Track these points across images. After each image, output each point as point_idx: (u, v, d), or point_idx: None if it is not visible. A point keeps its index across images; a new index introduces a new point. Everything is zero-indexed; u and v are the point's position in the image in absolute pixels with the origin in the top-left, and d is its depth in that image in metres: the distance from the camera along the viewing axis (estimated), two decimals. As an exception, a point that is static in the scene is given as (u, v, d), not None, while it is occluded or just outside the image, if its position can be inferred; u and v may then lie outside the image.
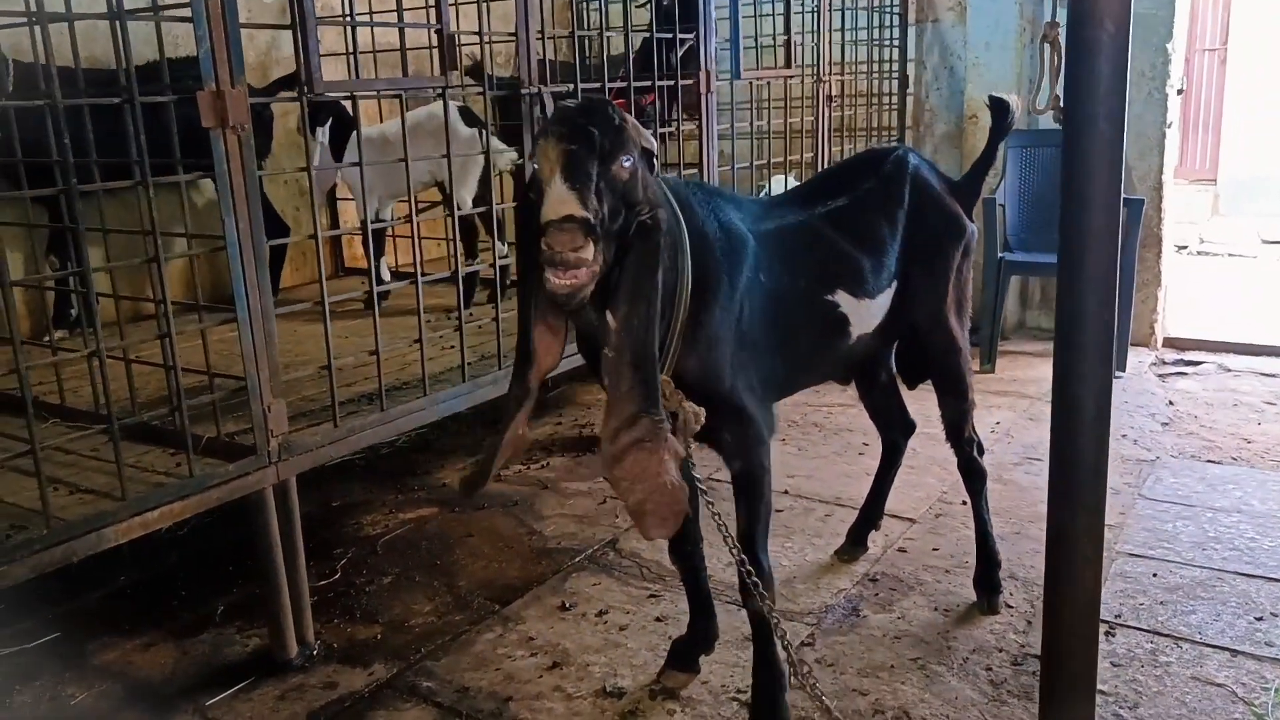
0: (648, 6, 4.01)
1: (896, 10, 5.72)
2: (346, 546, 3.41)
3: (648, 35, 3.86)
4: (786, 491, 3.74)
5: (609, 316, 1.94)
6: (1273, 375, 5.07)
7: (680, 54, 4.08)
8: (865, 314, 2.61)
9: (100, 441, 2.60)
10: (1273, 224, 9.36)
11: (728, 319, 2.23)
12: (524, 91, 3.19)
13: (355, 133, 3.24)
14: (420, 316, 2.99)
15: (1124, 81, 1.71)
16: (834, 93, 4.97)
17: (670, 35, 3.91)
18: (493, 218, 3.83)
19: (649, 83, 3.81)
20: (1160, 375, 5.17)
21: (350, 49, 2.89)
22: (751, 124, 4.46)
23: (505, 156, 4.15)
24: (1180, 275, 6.97)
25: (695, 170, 4.11)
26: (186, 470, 2.43)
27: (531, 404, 2.12)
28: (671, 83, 3.98)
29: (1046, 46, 2.48)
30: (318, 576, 3.17)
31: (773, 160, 4.69)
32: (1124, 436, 4.26)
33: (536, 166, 1.91)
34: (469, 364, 3.21)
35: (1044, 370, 5.21)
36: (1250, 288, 7.46)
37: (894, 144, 3.67)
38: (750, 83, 4.44)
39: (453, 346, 3.40)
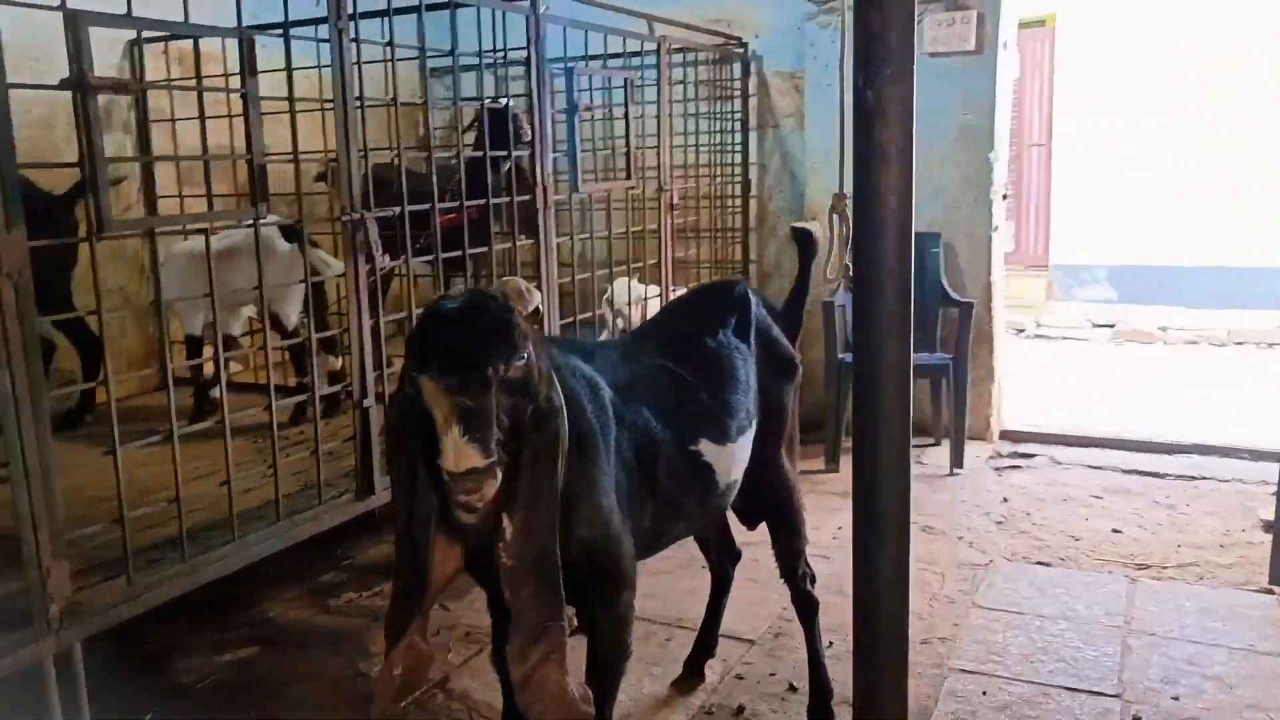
0: (474, 128, 4.02)
1: (738, 116, 5.87)
2: (156, 699, 3.16)
3: (474, 155, 3.85)
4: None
5: (505, 520, 1.80)
6: (1099, 468, 5.28)
7: (505, 170, 4.09)
8: (729, 460, 2.53)
9: None
10: (1099, 309, 9.91)
11: (608, 484, 2.12)
12: (345, 218, 3.10)
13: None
14: (228, 455, 2.83)
15: (909, 254, 1.74)
16: (676, 200, 5.02)
17: (499, 154, 3.91)
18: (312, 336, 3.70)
19: (479, 201, 3.77)
20: (997, 469, 5.33)
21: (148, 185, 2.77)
22: (591, 233, 4.47)
23: (333, 269, 4.05)
24: (1018, 361, 7.33)
25: (534, 279, 4.08)
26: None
27: (425, 620, 1.91)
28: (505, 199, 3.97)
29: (835, 216, 2.55)
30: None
31: (615, 266, 4.70)
32: (960, 539, 4.35)
33: (422, 390, 1.74)
34: (286, 496, 3.06)
35: (887, 468, 5.30)
36: (1082, 371, 7.83)
37: (733, 278, 3.72)
38: (589, 195, 4.46)
39: (268, 476, 3.23)
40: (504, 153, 3.97)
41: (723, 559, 3.15)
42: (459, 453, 1.67)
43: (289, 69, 2.93)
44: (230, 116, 3.90)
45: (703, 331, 2.62)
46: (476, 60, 3.69)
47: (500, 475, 1.74)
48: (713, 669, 3.25)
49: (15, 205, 2.22)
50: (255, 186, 2.77)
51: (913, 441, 5.22)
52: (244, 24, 2.71)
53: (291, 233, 4.01)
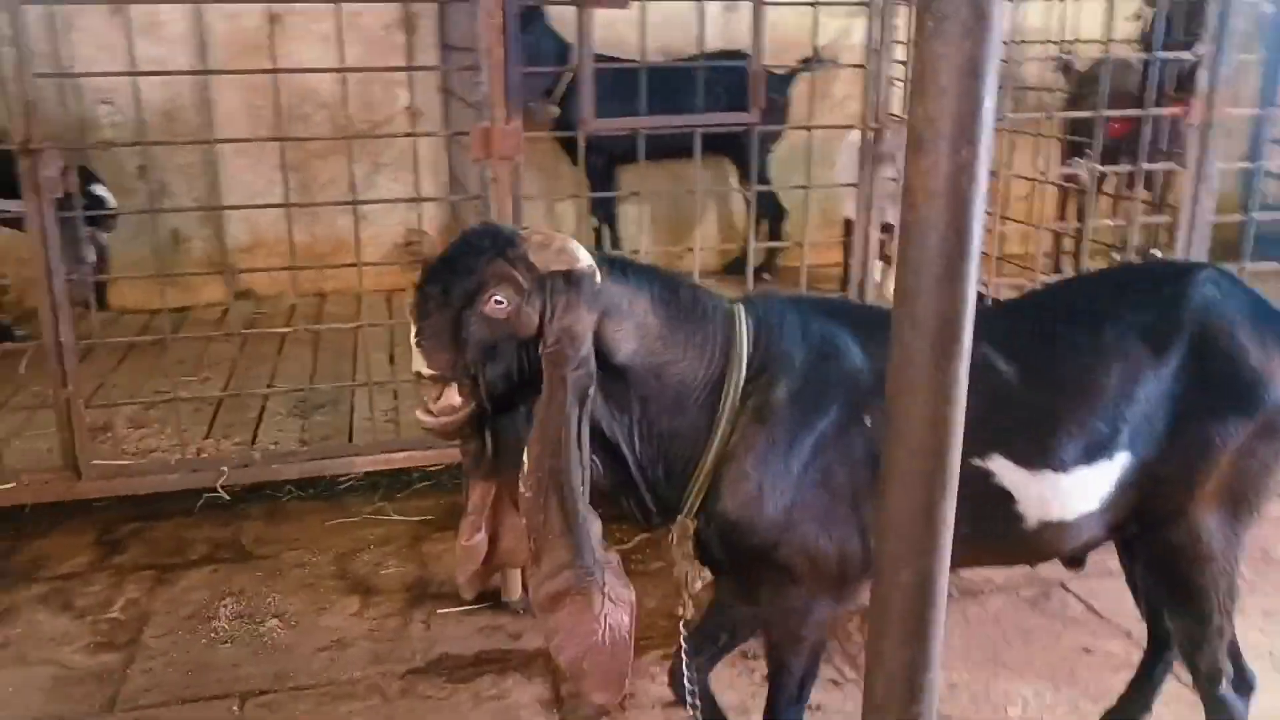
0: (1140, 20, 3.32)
1: None
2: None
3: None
4: (1129, 635, 3.01)
5: (525, 454, 1.83)
6: None
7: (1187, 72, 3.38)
8: (1048, 493, 1.99)
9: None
10: None
11: (783, 462, 1.94)
12: (865, 128, 3.03)
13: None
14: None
15: (966, 260, 1.31)
16: None
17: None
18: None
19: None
20: None
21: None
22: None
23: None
24: None
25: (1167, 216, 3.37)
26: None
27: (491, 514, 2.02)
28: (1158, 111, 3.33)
29: None
30: (617, 541, 3.56)
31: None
32: None
33: None
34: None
35: None
36: None
37: (1197, 262, 2.56)
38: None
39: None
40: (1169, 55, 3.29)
41: (1159, 617, 2.41)
42: (413, 353, 1.81)
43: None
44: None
45: (1084, 323, 2.01)
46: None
47: (467, 403, 1.81)
48: (1158, 733, 2.59)
49: (514, 103, 2.75)
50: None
51: None
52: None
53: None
